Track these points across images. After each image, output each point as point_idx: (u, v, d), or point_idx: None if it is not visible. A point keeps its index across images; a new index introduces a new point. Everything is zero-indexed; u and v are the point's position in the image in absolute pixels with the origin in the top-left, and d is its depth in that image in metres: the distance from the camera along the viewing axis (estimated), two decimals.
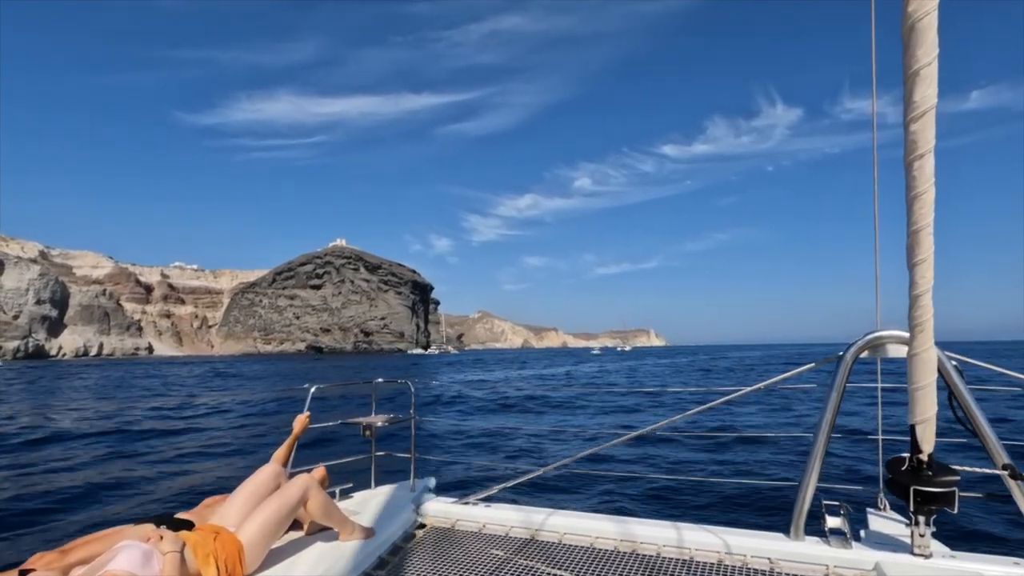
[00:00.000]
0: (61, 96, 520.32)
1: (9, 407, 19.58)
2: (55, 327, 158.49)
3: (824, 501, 2.35)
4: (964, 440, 2.31)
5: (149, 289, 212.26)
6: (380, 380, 3.79)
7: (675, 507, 5.99)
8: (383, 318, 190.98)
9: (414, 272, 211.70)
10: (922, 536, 2.12)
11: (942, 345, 1.93)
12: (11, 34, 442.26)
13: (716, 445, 9.13)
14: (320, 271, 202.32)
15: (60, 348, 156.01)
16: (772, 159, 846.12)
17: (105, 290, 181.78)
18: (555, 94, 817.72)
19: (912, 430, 2.02)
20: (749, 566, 2.30)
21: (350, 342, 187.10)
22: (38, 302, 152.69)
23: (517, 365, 60.68)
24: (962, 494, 2.03)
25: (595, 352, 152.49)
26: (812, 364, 2.58)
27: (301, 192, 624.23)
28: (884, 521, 2.48)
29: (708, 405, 2.99)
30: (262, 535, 2.17)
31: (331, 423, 3.50)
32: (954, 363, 2.15)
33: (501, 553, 2.49)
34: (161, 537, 1.89)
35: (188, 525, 2.16)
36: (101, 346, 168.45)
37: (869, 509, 2.61)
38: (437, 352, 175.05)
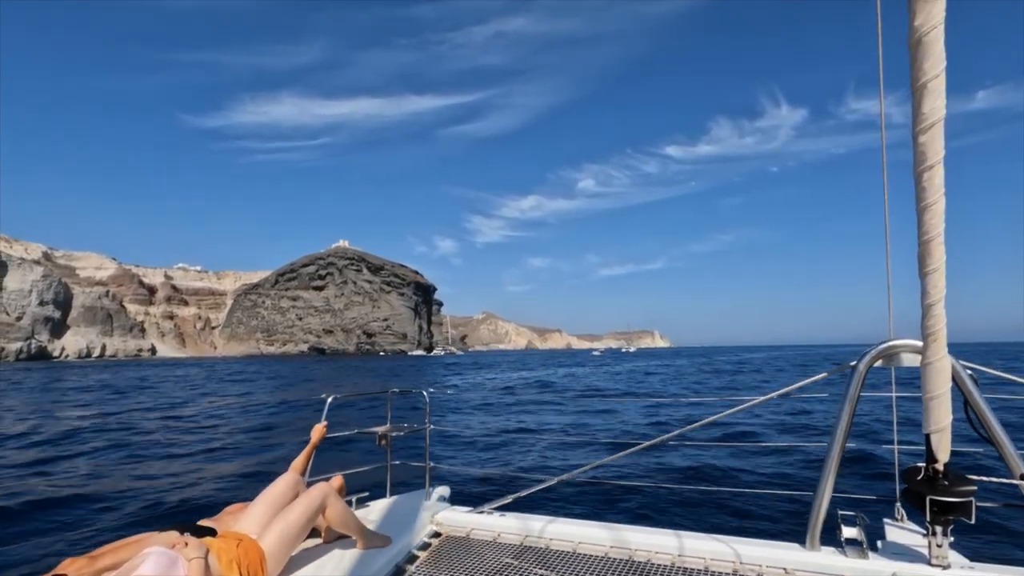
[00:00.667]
0: (66, 98, 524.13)
1: (13, 409, 19.65)
2: (58, 328, 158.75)
3: (840, 511, 2.35)
4: (980, 449, 2.31)
5: (152, 290, 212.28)
6: (396, 390, 3.82)
7: (690, 516, 5.97)
8: (386, 319, 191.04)
9: (417, 273, 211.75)
10: (939, 546, 2.11)
11: (953, 348, 1.92)
12: (16, 35, 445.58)
13: (730, 453, 9.11)
14: (323, 272, 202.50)
15: (63, 349, 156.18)
16: (777, 160, 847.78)
17: (108, 291, 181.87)
18: (558, 95, 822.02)
19: (927, 439, 2.02)
20: None
21: (352, 343, 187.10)
22: (41, 303, 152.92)
23: (518, 367, 60.51)
24: (979, 504, 2.01)
25: (596, 354, 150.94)
26: (825, 373, 2.56)
27: (304, 194, 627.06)
28: (901, 531, 2.47)
29: (724, 413, 3.00)
30: (283, 542, 2.21)
31: (347, 432, 3.52)
32: (969, 372, 2.15)
33: (516, 562, 2.51)
34: (186, 544, 1.92)
35: (211, 532, 2.21)
36: (104, 347, 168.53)
37: (886, 519, 2.60)
38: (442, 353, 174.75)
